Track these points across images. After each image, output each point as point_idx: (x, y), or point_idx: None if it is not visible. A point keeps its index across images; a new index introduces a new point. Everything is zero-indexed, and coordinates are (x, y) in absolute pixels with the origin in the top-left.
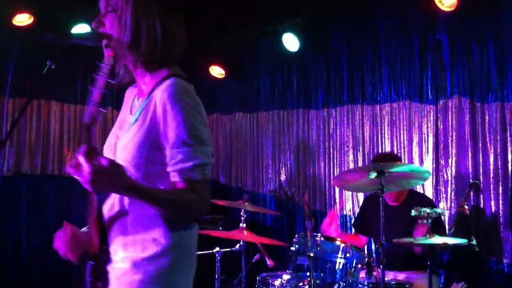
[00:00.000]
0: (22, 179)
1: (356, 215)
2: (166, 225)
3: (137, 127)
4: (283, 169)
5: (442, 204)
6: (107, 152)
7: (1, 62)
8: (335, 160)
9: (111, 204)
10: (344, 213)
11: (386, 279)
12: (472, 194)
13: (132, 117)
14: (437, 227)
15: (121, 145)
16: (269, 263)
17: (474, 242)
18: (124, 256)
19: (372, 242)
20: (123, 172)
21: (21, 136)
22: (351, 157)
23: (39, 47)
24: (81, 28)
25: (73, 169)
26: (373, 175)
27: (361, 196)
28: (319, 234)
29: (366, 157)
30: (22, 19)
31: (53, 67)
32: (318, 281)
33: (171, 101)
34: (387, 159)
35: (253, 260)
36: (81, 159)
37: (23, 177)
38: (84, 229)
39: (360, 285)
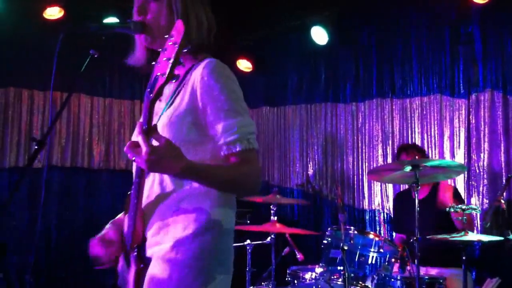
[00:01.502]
0: (53, 171)
1: (388, 212)
2: (207, 204)
3: (172, 111)
4: (311, 163)
5: (474, 200)
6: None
7: (34, 55)
8: (363, 155)
9: (150, 185)
10: (373, 207)
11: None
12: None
13: (163, 104)
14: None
15: (161, 123)
16: (298, 256)
17: (511, 236)
18: (164, 237)
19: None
20: (180, 153)
21: (51, 129)
22: (380, 151)
23: (74, 39)
24: (111, 21)
25: (130, 149)
26: (408, 168)
27: (390, 192)
28: (352, 228)
29: (396, 151)
30: (53, 13)
31: (96, 56)
32: (352, 275)
33: (214, 76)
34: (412, 148)
35: (283, 254)
36: (139, 138)
37: (53, 169)
38: (107, 227)
39: (393, 279)
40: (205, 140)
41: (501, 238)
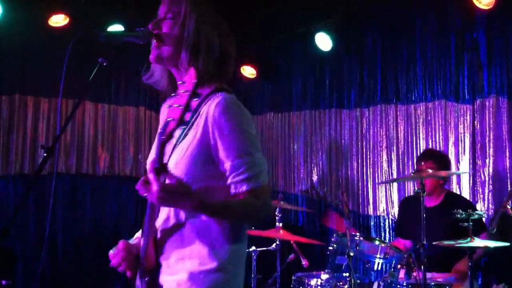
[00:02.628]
0: (58, 178)
1: (393, 218)
2: (223, 239)
3: (187, 142)
4: (315, 169)
5: (479, 205)
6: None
7: (40, 62)
8: (368, 160)
9: (166, 216)
10: (378, 214)
11: None
12: None
13: (178, 131)
14: (478, 229)
15: (172, 161)
16: (304, 263)
17: None
18: (180, 268)
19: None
20: (191, 190)
21: (56, 135)
22: (384, 157)
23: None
24: (116, 29)
25: (141, 186)
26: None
27: (395, 197)
28: (358, 234)
29: (400, 157)
30: (58, 20)
31: (105, 64)
32: (358, 281)
33: (226, 114)
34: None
35: (288, 260)
36: (150, 176)
37: (58, 176)
38: (134, 239)
39: (399, 286)
40: (217, 175)
41: (507, 244)
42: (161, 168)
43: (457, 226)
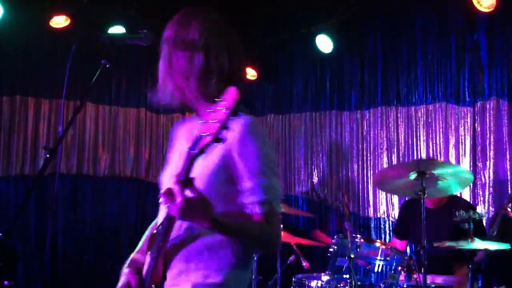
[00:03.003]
0: (59, 179)
1: (394, 220)
2: (231, 258)
3: (207, 163)
4: (316, 171)
5: (479, 208)
6: (170, 181)
7: (41, 63)
8: (368, 162)
9: (177, 227)
10: (378, 216)
11: None
12: None
13: (211, 147)
14: (478, 231)
15: (195, 175)
16: (304, 264)
17: None
18: (183, 280)
19: (412, 245)
20: (211, 206)
21: (57, 136)
22: (385, 159)
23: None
24: (117, 30)
25: (165, 196)
26: (413, 176)
27: (395, 200)
28: (358, 236)
29: (401, 159)
30: (59, 21)
31: (107, 66)
32: (359, 283)
33: (250, 136)
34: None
35: (289, 262)
36: (175, 187)
37: (59, 176)
38: (125, 273)
39: None
40: (235, 194)
41: (508, 246)
42: (187, 181)
43: (458, 228)
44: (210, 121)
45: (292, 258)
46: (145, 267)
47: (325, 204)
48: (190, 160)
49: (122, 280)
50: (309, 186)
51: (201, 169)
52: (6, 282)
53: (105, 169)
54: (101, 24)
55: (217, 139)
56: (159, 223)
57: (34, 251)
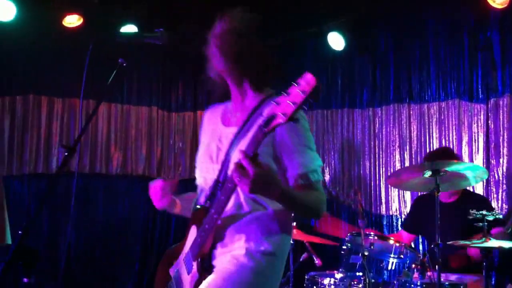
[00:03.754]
0: (71, 177)
1: (405, 215)
2: (278, 227)
3: (251, 137)
4: (327, 168)
5: (493, 205)
6: (207, 161)
7: (54, 63)
8: (381, 160)
9: (230, 206)
10: (390, 213)
11: None
12: None
13: (233, 129)
14: (493, 224)
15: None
16: (317, 262)
17: None
18: (236, 246)
19: (425, 242)
20: (279, 179)
21: (70, 136)
22: (397, 156)
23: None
24: (129, 29)
25: (237, 170)
26: (428, 173)
27: (408, 197)
28: (372, 233)
29: (413, 156)
30: (72, 21)
31: (124, 64)
32: (373, 280)
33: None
34: (442, 156)
35: (301, 259)
36: (245, 162)
37: (72, 175)
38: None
39: (413, 285)
40: (279, 170)
41: None
42: (254, 157)
43: (472, 224)
44: (287, 102)
45: (304, 255)
46: (190, 238)
47: (337, 202)
48: (260, 137)
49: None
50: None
51: (245, 145)
52: (25, 280)
53: (117, 168)
54: (114, 23)
55: (292, 118)
56: (205, 197)
57: (47, 250)
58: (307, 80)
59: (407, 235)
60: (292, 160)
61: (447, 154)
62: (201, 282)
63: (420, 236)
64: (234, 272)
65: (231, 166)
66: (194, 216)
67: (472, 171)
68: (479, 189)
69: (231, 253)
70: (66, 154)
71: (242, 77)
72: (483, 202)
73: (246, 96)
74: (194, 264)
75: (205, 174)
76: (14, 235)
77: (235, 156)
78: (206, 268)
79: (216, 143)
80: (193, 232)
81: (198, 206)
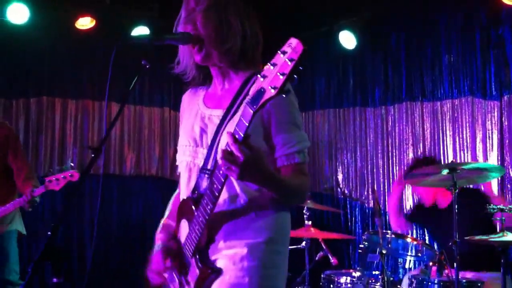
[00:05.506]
0: (86, 179)
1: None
2: (275, 211)
3: (239, 117)
4: (340, 167)
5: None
6: (191, 144)
7: (67, 64)
8: (394, 158)
9: (223, 198)
10: (404, 211)
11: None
12: None
13: (219, 111)
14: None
15: (225, 136)
16: (332, 261)
17: None
18: (236, 242)
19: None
20: (266, 161)
21: (84, 137)
22: (411, 155)
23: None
24: (141, 31)
25: (225, 157)
26: (445, 171)
27: None
28: (389, 232)
29: (427, 154)
30: (85, 23)
31: (147, 66)
32: (391, 279)
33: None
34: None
35: (317, 258)
36: (235, 147)
37: (86, 176)
38: (160, 238)
39: (430, 283)
40: (269, 150)
41: None
42: (245, 139)
43: (478, 221)
44: (276, 74)
45: (320, 254)
46: (182, 232)
47: (350, 200)
48: (250, 117)
49: (158, 244)
50: (333, 182)
51: (232, 126)
52: (54, 280)
53: (131, 169)
54: (126, 25)
55: (283, 91)
56: (191, 187)
57: (64, 251)
58: (293, 46)
59: (404, 222)
60: (279, 140)
61: (430, 161)
62: (202, 278)
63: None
64: (241, 277)
65: (219, 152)
66: (181, 209)
67: (489, 168)
68: (494, 186)
69: (234, 251)
70: (93, 155)
71: (223, 57)
72: (482, 198)
73: (229, 77)
74: (192, 261)
75: (188, 158)
76: (29, 236)
77: (224, 140)
78: (206, 264)
79: (200, 125)
80: (184, 227)
81: (184, 198)
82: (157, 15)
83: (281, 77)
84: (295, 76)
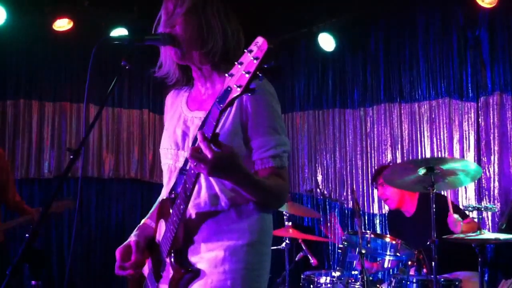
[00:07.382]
0: (64, 182)
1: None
2: (257, 213)
3: (221, 123)
4: (319, 169)
5: (484, 202)
6: (173, 148)
7: (44, 67)
8: (373, 159)
9: (197, 191)
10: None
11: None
12: None
13: (201, 113)
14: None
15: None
16: (312, 261)
17: None
18: (217, 244)
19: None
20: (241, 161)
21: (62, 139)
22: (389, 156)
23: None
24: (120, 32)
25: (194, 154)
26: (422, 171)
27: None
28: (368, 231)
29: (405, 155)
30: (62, 24)
31: (127, 67)
32: (370, 278)
33: (260, 92)
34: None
35: (297, 259)
36: (203, 145)
37: (65, 179)
38: (135, 234)
39: (409, 282)
40: (246, 152)
41: None
42: (213, 137)
43: (442, 225)
44: (242, 72)
45: (300, 255)
46: (160, 232)
47: (330, 201)
48: (216, 115)
49: (128, 239)
50: (313, 184)
51: (221, 125)
52: (33, 282)
53: (110, 171)
54: (104, 27)
55: (248, 89)
56: (169, 188)
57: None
58: (259, 45)
59: None
60: (255, 144)
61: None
62: (176, 278)
63: None
64: (223, 280)
65: (189, 150)
66: (160, 209)
67: (467, 169)
68: (471, 187)
69: (214, 254)
70: (72, 157)
71: (204, 58)
72: (444, 204)
73: (211, 79)
74: (167, 260)
75: (169, 161)
76: (8, 239)
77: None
78: (181, 263)
79: (182, 128)
80: (162, 226)
81: (164, 198)
82: (136, 16)
83: (246, 75)
84: (260, 74)
